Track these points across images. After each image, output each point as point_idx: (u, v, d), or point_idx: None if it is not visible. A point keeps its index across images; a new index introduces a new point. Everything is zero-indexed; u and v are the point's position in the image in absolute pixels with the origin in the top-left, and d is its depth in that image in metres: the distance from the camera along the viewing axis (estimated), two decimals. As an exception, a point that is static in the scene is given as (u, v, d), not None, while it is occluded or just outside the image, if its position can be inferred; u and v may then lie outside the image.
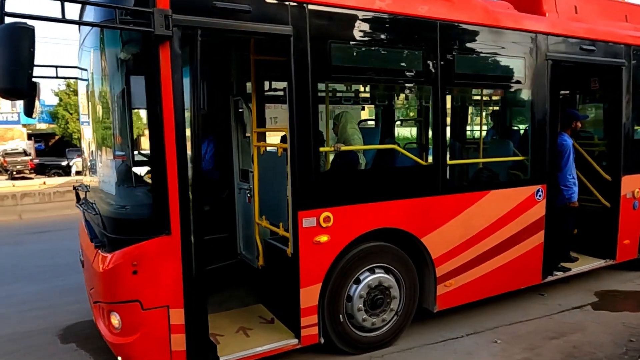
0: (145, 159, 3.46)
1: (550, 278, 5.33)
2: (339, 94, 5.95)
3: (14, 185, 16.73)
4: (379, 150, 4.78)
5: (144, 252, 3.24)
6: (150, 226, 3.26)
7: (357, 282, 4.15)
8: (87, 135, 4.05)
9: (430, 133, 4.46)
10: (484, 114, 6.42)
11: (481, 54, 4.61)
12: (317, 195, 3.81)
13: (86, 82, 3.79)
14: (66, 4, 2.87)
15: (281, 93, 5.65)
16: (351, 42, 3.92)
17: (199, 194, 3.35)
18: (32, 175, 26.04)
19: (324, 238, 3.86)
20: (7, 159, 28.79)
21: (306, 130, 3.72)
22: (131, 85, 3.25)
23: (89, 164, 4.14)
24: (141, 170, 3.46)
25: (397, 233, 4.26)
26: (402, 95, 6.22)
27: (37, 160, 29.07)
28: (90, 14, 3.46)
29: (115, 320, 3.32)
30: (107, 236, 3.38)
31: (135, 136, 3.61)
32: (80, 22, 2.81)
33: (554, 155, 5.15)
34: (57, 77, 4.59)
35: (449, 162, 4.51)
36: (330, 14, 3.78)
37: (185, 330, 3.40)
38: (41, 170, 27.39)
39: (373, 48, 4.06)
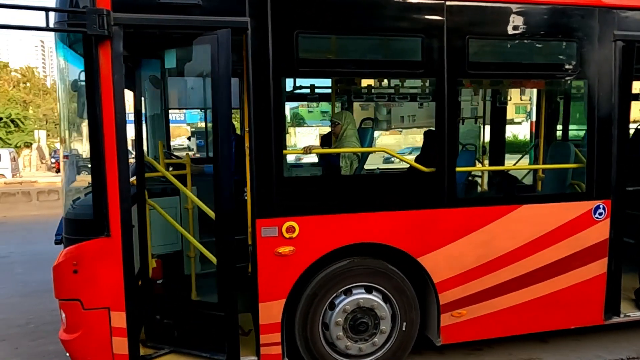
0: (86, 160, 3.48)
1: (616, 319, 4.19)
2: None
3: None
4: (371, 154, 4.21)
5: (84, 252, 3.25)
6: (90, 227, 3.27)
7: (335, 302, 3.69)
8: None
9: (436, 134, 3.78)
10: (519, 111, 5.29)
11: (505, 38, 3.76)
12: (279, 202, 3.47)
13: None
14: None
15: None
16: (322, 32, 3.49)
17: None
18: (192, 167, 29.70)
19: (287, 250, 3.50)
20: (174, 154, 33.02)
21: (266, 131, 3.40)
22: (73, 86, 3.28)
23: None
24: (83, 171, 3.50)
25: (388, 250, 3.70)
26: (397, 91, 5.39)
27: (197, 155, 32.84)
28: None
29: (62, 316, 3.41)
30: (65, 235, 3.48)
31: (77, 137, 3.67)
32: (5, 26, 2.88)
33: (624, 163, 4.02)
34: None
35: (457, 169, 3.77)
36: (297, 1, 3.40)
37: (127, 334, 3.35)
38: (199, 163, 31.01)
39: (352, 37, 3.56)
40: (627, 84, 3.96)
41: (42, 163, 31.39)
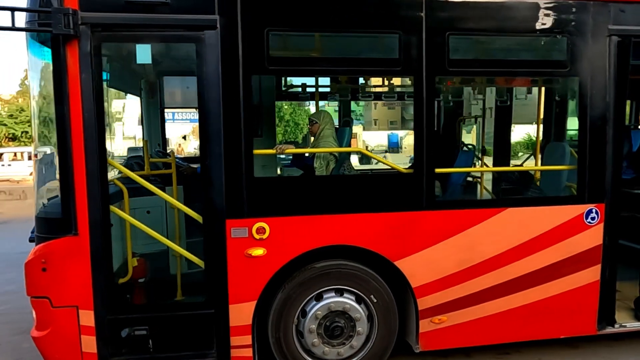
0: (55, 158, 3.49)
1: (610, 330, 3.96)
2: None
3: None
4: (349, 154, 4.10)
5: (52, 250, 3.27)
6: (58, 225, 3.28)
7: (308, 305, 3.61)
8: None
9: (413, 135, 3.64)
10: (507, 111, 5.07)
11: (489, 34, 3.60)
12: (249, 203, 3.40)
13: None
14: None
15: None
16: (294, 29, 3.40)
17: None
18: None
19: (257, 251, 3.44)
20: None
21: (236, 130, 3.34)
22: (44, 84, 3.30)
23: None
24: (52, 170, 3.51)
25: (363, 253, 3.60)
26: (392, 90, 5.23)
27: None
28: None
29: (33, 313, 3.44)
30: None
31: (47, 135, 3.68)
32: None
33: (619, 164, 3.79)
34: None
35: (437, 170, 3.63)
36: (266, -1, 3.34)
37: (95, 332, 3.35)
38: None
39: (325, 34, 3.47)
40: (623, 81, 3.73)
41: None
